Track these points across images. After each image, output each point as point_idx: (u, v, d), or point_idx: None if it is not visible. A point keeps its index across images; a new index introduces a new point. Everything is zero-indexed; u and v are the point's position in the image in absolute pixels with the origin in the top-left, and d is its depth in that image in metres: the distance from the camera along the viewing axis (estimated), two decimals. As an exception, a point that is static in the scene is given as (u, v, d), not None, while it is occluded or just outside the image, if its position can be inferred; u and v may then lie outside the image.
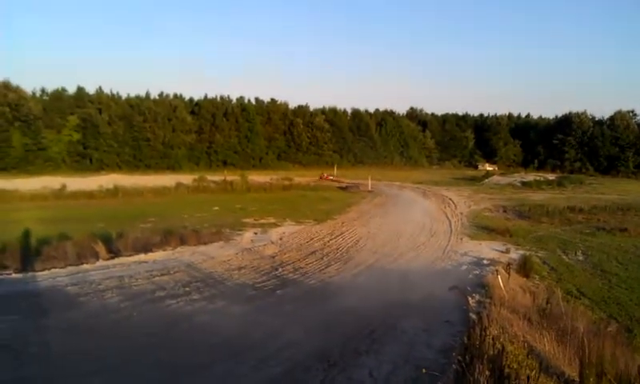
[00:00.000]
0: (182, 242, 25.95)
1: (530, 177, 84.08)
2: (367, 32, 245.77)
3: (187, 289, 17.90)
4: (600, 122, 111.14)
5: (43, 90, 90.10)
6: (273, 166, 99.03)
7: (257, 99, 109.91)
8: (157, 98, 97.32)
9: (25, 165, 77.35)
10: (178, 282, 18.83)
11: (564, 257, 28.22)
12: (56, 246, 21.87)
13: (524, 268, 23.58)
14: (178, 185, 59.64)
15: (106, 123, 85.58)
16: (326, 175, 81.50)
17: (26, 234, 23.47)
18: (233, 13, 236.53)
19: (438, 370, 10.17)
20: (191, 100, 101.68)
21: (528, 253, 27.33)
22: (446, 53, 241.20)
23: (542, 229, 36.64)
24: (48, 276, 18.97)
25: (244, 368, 10.96)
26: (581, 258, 28.18)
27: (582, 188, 73.22)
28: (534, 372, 8.36)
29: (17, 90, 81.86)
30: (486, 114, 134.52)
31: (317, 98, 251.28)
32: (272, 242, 28.06)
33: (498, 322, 12.53)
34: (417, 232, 33.10)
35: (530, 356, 9.58)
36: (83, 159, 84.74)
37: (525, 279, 22.39)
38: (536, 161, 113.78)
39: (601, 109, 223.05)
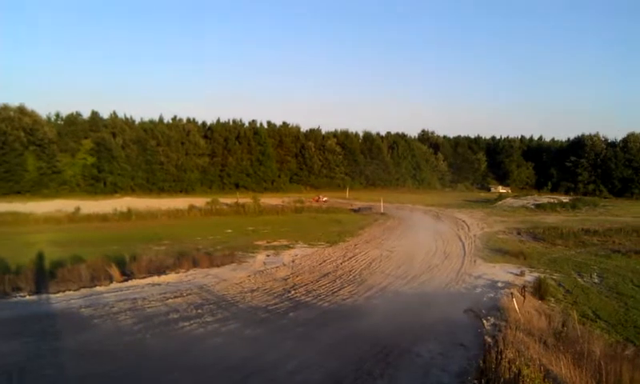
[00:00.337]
0: (195, 264, 26.00)
1: (544, 199, 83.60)
2: (379, 55, 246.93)
3: (200, 311, 17.86)
4: (613, 144, 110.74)
5: (58, 115, 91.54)
6: (285, 188, 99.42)
7: (269, 122, 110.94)
8: (170, 121, 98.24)
9: (39, 188, 78.24)
10: (191, 304, 18.81)
11: (579, 279, 27.92)
12: (70, 268, 22.00)
13: (539, 291, 23.34)
14: (191, 207, 59.97)
15: (119, 147, 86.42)
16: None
17: (40, 257, 23.64)
18: (245, 38, 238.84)
19: (453, 394, 10.06)
20: (204, 124, 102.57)
21: (543, 275, 27.06)
22: (458, 75, 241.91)
23: (557, 251, 36.33)
24: (62, 298, 19.02)
25: (257, 391, 10.88)
26: (596, 280, 27.88)
27: (596, 210, 72.66)
28: (551, 395, 8.25)
29: (32, 115, 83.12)
30: (498, 137, 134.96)
31: (328, 121, 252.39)
32: (284, 265, 28.02)
33: (513, 345, 12.37)
34: (430, 254, 32.92)
35: (546, 379, 9.45)
36: (97, 182, 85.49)
37: (540, 302, 22.16)
38: (549, 183, 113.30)
39: (613, 131, 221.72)
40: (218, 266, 26.43)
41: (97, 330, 15.30)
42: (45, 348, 13.37)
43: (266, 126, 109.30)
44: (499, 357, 10.55)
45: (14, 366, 11.93)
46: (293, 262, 29.06)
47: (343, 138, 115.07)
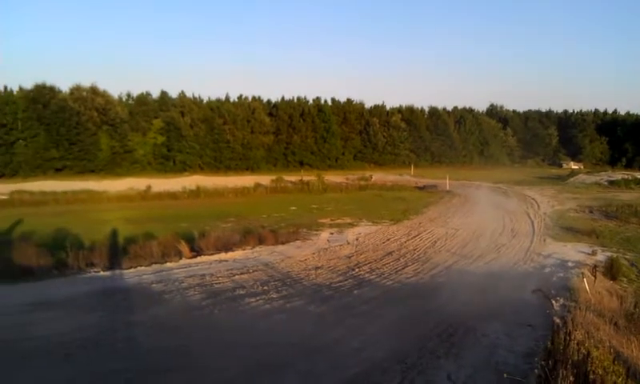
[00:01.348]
0: (261, 241, 26.45)
1: (618, 175, 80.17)
2: (445, 28, 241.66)
3: (266, 287, 18.20)
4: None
5: (129, 95, 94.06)
6: (349, 166, 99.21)
7: (333, 99, 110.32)
8: (236, 100, 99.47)
9: (112, 167, 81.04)
10: (257, 280, 19.19)
11: (654, 259, 26.79)
12: (142, 244, 22.80)
13: (611, 271, 22.51)
14: (257, 185, 60.92)
15: (188, 126, 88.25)
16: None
17: (114, 234, 24.65)
18: (309, 15, 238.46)
19: (519, 375, 9.92)
20: (269, 102, 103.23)
21: (615, 255, 26.01)
22: (528, 48, 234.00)
23: (631, 230, 34.88)
24: (134, 274, 19.79)
25: (322, 367, 11.05)
26: (672, 260, 26.66)
27: (673, 186, 69.15)
28: (620, 378, 8.04)
29: (104, 95, 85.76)
30: (570, 111, 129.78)
31: (393, 97, 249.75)
32: (348, 243, 28.10)
33: (583, 327, 12.07)
34: (497, 233, 32.28)
35: (616, 362, 9.18)
36: (167, 161, 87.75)
37: (612, 282, 21.40)
38: (624, 159, 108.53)
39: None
40: (282, 244, 26.80)
41: (167, 305, 15.87)
42: (117, 322, 13.98)
43: (330, 103, 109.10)
44: (568, 338, 10.32)
45: (88, 339, 12.54)
46: (356, 239, 29.10)
47: (408, 114, 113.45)
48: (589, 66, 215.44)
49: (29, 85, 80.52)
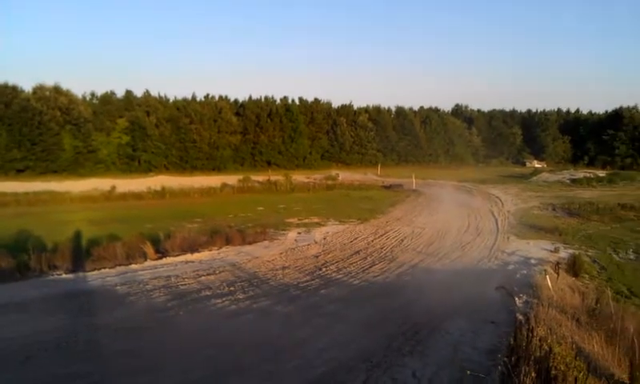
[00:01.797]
0: (228, 241, 26.31)
1: (580, 174, 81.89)
2: (410, 29, 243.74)
3: (232, 288, 18.11)
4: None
5: (93, 94, 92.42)
6: (316, 165, 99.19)
7: (300, 99, 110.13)
8: (202, 99, 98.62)
9: (75, 167, 79.45)
10: (223, 281, 19.09)
11: (614, 256, 27.43)
12: (105, 246, 22.47)
13: (573, 267, 23.01)
14: (224, 185, 60.51)
15: (153, 126, 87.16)
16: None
17: (77, 235, 24.19)
18: (276, 14, 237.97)
19: (483, 372, 10.04)
20: (236, 101, 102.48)
21: (577, 252, 26.64)
22: (492, 49, 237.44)
23: (592, 227, 35.70)
24: (98, 276, 19.49)
25: (288, 367, 11.03)
26: (632, 256, 27.36)
27: (633, 184, 70.83)
28: (581, 373, 8.17)
29: (67, 94, 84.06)
30: (534, 110, 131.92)
31: (360, 97, 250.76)
32: (316, 242, 28.14)
33: (545, 323, 12.26)
34: (462, 231, 32.71)
35: (578, 357, 9.33)
36: (132, 161, 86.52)
37: (574, 279, 21.87)
38: (586, 157, 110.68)
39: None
40: (250, 244, 26.71)
41: (131, 307, 15.67)
42: (80, 325, 13.75)
43: (297, 102, 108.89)
44: (530, 334, 10.46)
45: (50, 342, 12.30)
46: (324, 239, 29.17)
47: (375, 114, 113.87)
48: (552, 66, 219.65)
49: (-10, 85, 78.31)
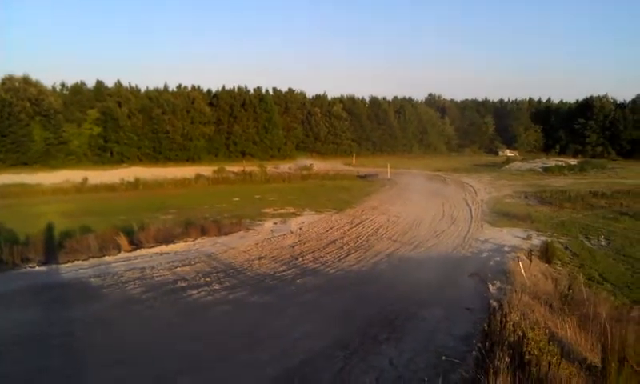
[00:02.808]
0: (203, 232, 26.16)
1: (552, 162, 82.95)
2: (384, 18, 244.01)
3: (208, 279, 18.03)
4: (622, 106, 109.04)
5: (63, 85, 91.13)
6: (291, 155, 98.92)
7: (274, 89, 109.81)
8: (175, 90, 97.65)
9: (46, 159, 78.22)
10: (199, 272, 18.99)
11: (586, 242, 27.91)
12: (79, 238, 22.19)
13: (546, 254, 23.34)
14: (198, 176, 60.04)
15: (125, 116, 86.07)
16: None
17: (49, 228, 23.82)
18: (249, 4, 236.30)
19: (458, 357, 10.16)
20: (209, 91, 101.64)
21: (550, 239, 27.02)
22: (464, 37, 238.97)
23: (564, 214, 36.25)
24: (71, 268, 19.25)
25: (265, 357, 11.04)
26: (603, 243, 27.85)
27: (604, 173, 72.10)
28: (555, 358, 8.31)
29: (37, 85, 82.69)
30: (506, 100, 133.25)
31: (334, 87, 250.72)
32: (291, 232, 28.13)
33: (518, 309, 12.45)
34: (437, 220, 32.97)
35: (551, 342, 9.51)
36: (104, 152, 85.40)
37: (546, 265, 22.20)
38: (557, 146, 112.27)
39: (622, 92, 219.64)
40: (225, 235, 26.59)
41: (106, 300, 15.51)
42: (55, 318, 13.59)
43: (271, 92, 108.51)
44: (504, 320, 10.62)
45: (24, 335, 12.15)
46: (300, 229, 29.17)
47: (350, 104, 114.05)
48: (523, 55, 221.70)
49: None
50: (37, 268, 19.26)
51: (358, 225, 30.62)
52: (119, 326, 13.15)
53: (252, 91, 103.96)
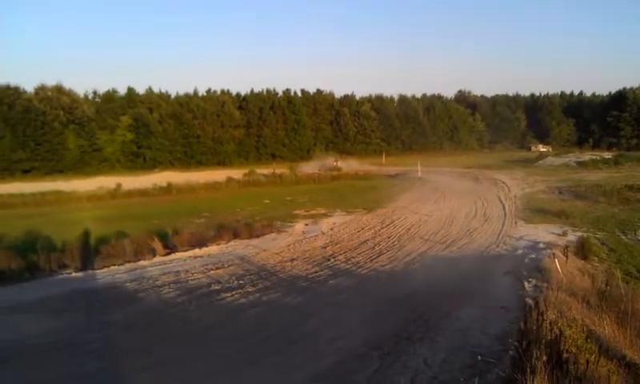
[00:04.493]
0: (235, 235, 26.34)
1: (586, 156, 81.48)
2: (411, 16, 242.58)
3: (241, 282, 18.14)
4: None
5: (95, 93, 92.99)
6: (321, 157, 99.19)
7: (302, 90, 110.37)
8: (204, 94, 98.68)
9: (81, 166, 79.92)
10: (232, 275, 19.11)
11: (623, 237, 27.27)
12: (114, 244, 22.50)
13: (582, 250, 22.89)
14: (229, 179, 60.54)
15: (156, 122, 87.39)
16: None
17: (85, 234, 24.27)
18: (277, 6, 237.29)
19: (494, 357, 10.08)
20: (238, 95, 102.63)
21: (585, 234, 26.50)
22: (494, 33, 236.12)
23: (600, 209, 35.52)
24: (107, 273, 19.56)
25: (299, 358, 11.09)
26: (641, 237, 27.24)
27: (639, 165, 70.54)
28: (593, 356, 8.19)
29: (69, 93, 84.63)
30: (537, 94, 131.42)
31: (363, 87, 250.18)
32: (323, 233, 28.13)
33: (555, 306, 12.25)
34: (470, 218, 32.61)
35: (589, 340, 9.35)
36: (137, 158, 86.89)
37: (583, 261, 21.76)
38: (591, 140, 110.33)
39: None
40: (257, 237, 26.72)
41: (142, 304, 15.73)
42: (91, 323, 13.82)
43: (299, 94, 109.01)
44: (540, 318, 10.47)
45: (62, 341, 12.38)
46: (331, 230, 29.16)
47: (378, 103, 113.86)
48: (554, 49, 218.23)
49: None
50: (73, 274, 19.60)
51: (389, 225, 30.47)
52: (155, 330, 13.33)
53: (280, 93, 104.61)
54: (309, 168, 74.14)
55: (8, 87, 78.72)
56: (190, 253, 22.84)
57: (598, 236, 27.18)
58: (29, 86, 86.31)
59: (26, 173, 74.50)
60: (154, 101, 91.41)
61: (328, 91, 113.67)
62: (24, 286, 17.88)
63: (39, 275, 19.25)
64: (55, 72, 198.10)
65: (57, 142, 77.98)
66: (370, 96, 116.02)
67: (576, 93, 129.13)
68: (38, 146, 76.36)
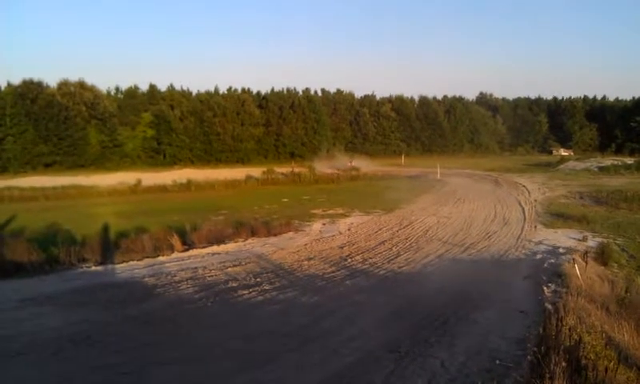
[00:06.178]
0: (253, 233, 26.41)
1: (608, 161, 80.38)
2: (434, 18, 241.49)
3: (259, 279, 18.19)
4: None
5: (117, 89, 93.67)
6: (337, 157, 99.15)
7: (323, 90, 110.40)
8: (225, 92, 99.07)
9: (102, 161, 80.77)
10: (249, 272, 19.18)
11: (644, 244, 26.94)
12: (133, 239, 22.71)
13: (602, 256, 22.64)
14: (248, 177, 60.82)
15: (177, 119, 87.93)
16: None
17: (105, 228, 24.53)
18: (299, 6, 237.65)
19: (512, 362, 10.00)
20: (259, 93, 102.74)
21: (606, 240, 26.20)
22: (516, 35, 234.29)
23: (621, 215, 35.07)
24: (126, 268, 19.71)
25: (315, 358, 11.09)
26: (662, 245, 26.84)
27: (662, 172, 69.47)
28: (612, 363, 8.12)
29: (92, 89, 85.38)
30: (559, 97, 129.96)
31: (383, 87, 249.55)
32: (340, 233, 28.12)
33: (574, 312, 12.15)
34: (489, 221, 32.40)
35: (608, 346, 9.28)
36: (157, 154, 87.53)
37: (603, 267, 21.52)
38: (613, 144, 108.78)
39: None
40: (275, 235, 26.76)
41: (160, 299, 15.83)
42: (110, 316, 13.95)
43: (319, 93, 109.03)
44: (559, 324, 10.39)
45: (80, 333, 12.50)
46: (349, 230, 29.14)
47: (398, 104, 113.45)
48: (578, 53, 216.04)
49: (16, 81, 79.87)
50: (93, 268, 19.76)
51: (407, 226, 30.37)
52: (173, 325, 13.42)
53: (301, 93, 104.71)
54: (324, 167, 74.09)
55: (31, 82, 79.61)
56: (208, 250, 22.94)
57: (618, 242, 26.83)
58: (52, 81, 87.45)
59: (48, 167, 75.50)
60: (175, 98, 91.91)
61: (348, 91, 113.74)
62: (44, 279, 18.05)
63: (59, 268, 19.41)
64: (78, 68, 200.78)
65: (79, 137, 78.84)
66: (390, 96, 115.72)
67: (599, 97, 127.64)
68: (60, 141, 77.24)
